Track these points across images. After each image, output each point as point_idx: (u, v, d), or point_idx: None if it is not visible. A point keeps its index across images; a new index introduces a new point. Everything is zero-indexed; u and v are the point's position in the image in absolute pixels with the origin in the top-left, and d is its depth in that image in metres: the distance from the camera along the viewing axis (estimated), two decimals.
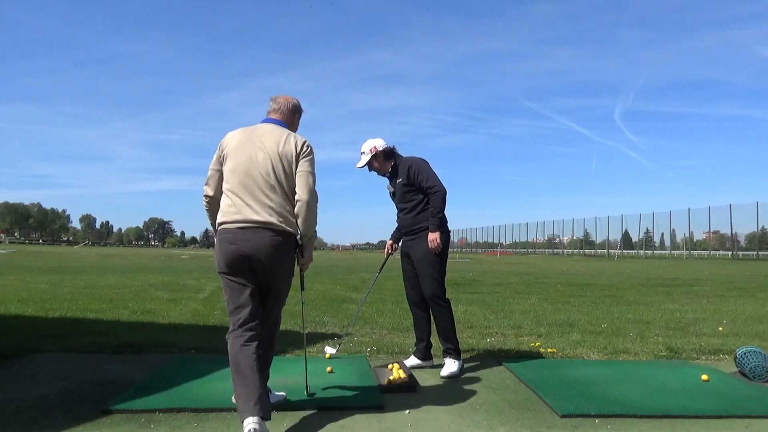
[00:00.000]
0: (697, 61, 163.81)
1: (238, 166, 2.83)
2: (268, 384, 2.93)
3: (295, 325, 5.89)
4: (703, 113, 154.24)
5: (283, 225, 2.78)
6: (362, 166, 4.11)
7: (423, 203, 3.98)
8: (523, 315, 7.00)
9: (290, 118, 3.09)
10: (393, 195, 4.20)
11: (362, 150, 4.11)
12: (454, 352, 3.91)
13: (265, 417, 2.52)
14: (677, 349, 4.80)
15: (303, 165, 2.87)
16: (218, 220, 2.84)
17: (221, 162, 2.91)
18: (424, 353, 4.10)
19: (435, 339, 4.09)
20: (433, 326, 4.06)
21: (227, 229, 2.77)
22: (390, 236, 4.36)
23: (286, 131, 2.96)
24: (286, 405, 3.03)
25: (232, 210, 2.78)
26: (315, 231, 2.97)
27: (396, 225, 4.28)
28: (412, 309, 4.18)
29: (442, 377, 3.77)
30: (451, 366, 3.85)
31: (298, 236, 2.93)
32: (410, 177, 3.96)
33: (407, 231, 4.08)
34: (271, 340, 2.97)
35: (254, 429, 2.44)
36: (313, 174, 2.90)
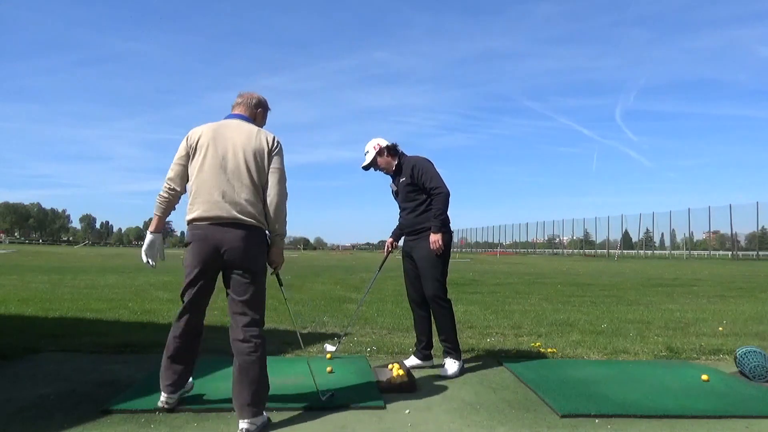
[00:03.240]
0: (698, 61, 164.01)
1: (209, 162, 2.82)
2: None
3: (295, 325, 5.89)
4: (703, 113, 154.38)
5: (252, 221, 2.80)
6: (367, 165, 4.10)
7: (426, 203, 3.97)
8: (523, 315, 6.99)
9: (253, 112, 3.10)
10: (396, 194, 4.19)
11: (366, 149, 4.10)
12: (454, 352, 3.91)
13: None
14: (677, 349, 4.80)
15: (275, 162, 2.90)
16: (189, 217, 2.83)
17: (189, 157, 2.90)
18: (424, 353, 4.10)
19: (435, 339, 4.09)
20: (434, 326, 4.05)
21: (199, 226, 2.79)
22: (390, 235, 4.36)
23: (254, 127, 2.98)
24: (285, 405, 3.03)
25: (204, 207, 2.78)
26: (285, 229, 2.95)
27: (396, 223, 4.28)
28: (412, 309, 4.18)
29: (442, 377, 3.76)
30: (451, 366, 3.85)
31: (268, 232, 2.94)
32: (414, 177, 3.96)
33: (409, 230, 4.07)
34: (259, 343, 2.78)
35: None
36: (284, 172, 2.93)
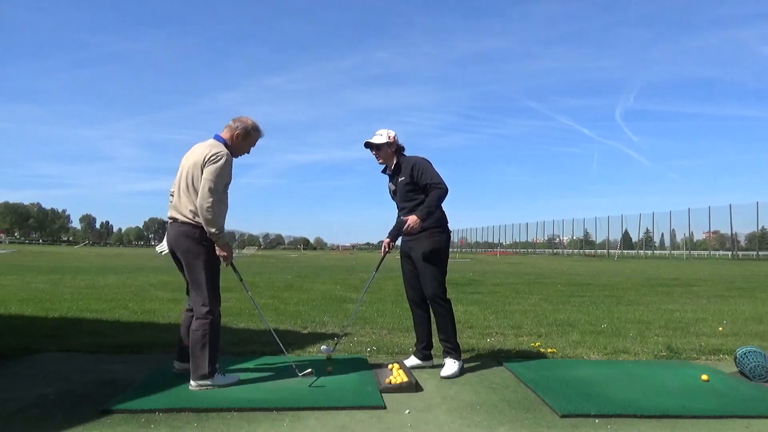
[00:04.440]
0: (699, 61, 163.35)
1: (177, 176, 3.52)
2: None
3: (294, 325, 5.90)
4: (704, 113, 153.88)
5: (186, 218, 3.37)
6: (371, 144, 4.05)
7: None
8: (523, 315, 6.99)
9: (232, 134, 3.55)
10: (394, 194, 4.18)
11: (380, 132, 4.07)
12: (454, 352, 3.91)
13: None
14: (677, 349, 4.80)
15: (204, 173, 3.34)
16: None
17: None
18: (424, 353, 4.10)
19: (435, 339, 4.09)
20: (434, 326, 4.05)
21: (168, 224, 3.57)
22: (387, 235, 4.34)
23: (210, 144, 3.47)
24: (285, 405, 3.03)
25: (169, 211, 3.54)
26: (219, 229, 3.34)
27: (394, 223, 4.26)
28: (412, 309, 4.18)
29: (442, 377, 3.76)
30: (451, 366, 3.85)
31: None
32: (413, 176, 3.94)
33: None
34: (200, 323, 3.36)
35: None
36: (210, 180, 3.31)
